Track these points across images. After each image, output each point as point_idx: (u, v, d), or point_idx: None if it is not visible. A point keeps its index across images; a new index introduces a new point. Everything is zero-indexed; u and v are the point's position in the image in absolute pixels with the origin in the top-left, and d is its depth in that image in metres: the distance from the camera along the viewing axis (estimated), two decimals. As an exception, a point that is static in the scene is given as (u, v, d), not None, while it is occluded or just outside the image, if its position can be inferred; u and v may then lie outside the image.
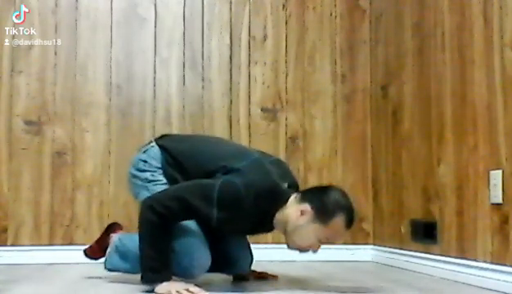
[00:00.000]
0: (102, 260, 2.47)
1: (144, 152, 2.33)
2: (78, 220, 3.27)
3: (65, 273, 2.71)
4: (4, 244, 3.20)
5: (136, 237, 2.04)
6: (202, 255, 2.12)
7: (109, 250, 2.41)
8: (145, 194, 2.19)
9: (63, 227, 3.26)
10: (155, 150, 2.29)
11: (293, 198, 2.11)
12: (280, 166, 2.26)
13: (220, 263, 2.24)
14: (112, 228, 2.50)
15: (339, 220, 2.03)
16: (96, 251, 2.51)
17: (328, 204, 2.04)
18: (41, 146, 3.28)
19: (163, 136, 2.42)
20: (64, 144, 3.30)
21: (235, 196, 1.99)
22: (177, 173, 2.22)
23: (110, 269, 2.41)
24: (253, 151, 2.31)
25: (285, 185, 2.13)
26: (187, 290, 1.98)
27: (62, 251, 3.22)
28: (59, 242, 3.24)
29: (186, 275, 2.10)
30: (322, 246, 2.12)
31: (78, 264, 3.08)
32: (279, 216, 2.10)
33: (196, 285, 2.03)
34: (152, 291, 2.01)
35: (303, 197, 2.09)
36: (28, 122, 3.28)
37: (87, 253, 2.54)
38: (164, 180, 2.23)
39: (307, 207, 2.04)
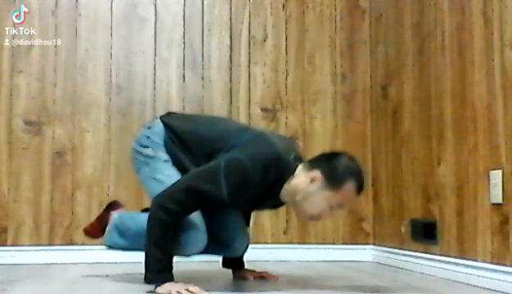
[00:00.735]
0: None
1: (148, 128, 2.34)
2: (78, 220, 3.27)
3: (65, 273, 2.71)
4: (4, 244, 3.20)
5: (136, 217, 2.05)
6: (198, 234, 2.11)
7: (108, 227, 2.40)
8: (145, 171, 2.24)
9: (63, 227, 3.26)
10: (159, 127, 2.29)
11: (300, 167, 2.09)
12: (284, 140, 2.26)
13: (215, 244, 2.23)
14: (112, 206, 2.50)
15: (350, 186, 2.02)
16: (95, 228, 2.49)
17: (339, 170, 2.02)
18: (41, 146, 3.28)
19: (168, 114, 2.43)
20: (64, 144, 3.30)
21: (242, 171, 1.99)
22: (179, 151, 2.22)
23: (109, 246, 2.41)
24: (256, 128, 2.31)
25: (291, 157, 2.11)
26: (187, 290, 1.98)
27: (62, 251, 3.22)
28: (59, 242, 3.24)
29: (181, 253, 2.09)
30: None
31: (78, 264, 3.08)
32: (287, 186, 2.09)
33: (196, 285, 2.03)
34: (153, 291, 2.01)
35: (311, 164, 2.08)
36: (28, 122, 3.28)
37: (87, 231, 2.53)
38: (166, 157, 2.23)
39: (317, 173, 2.03)
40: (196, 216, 2.12)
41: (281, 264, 3.10)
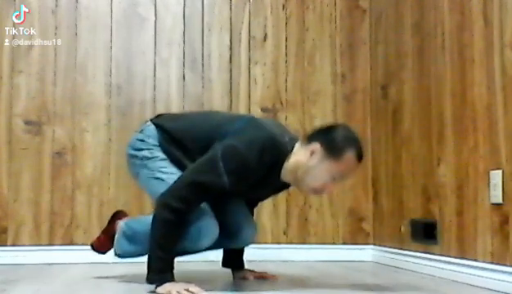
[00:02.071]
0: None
1: (140, 131, 2.34)
2: (78, 220, 3.27)
3: (65, 273, 2.71)
4: (4, 244, 3.20)
5: (143, 219, 2.05)
6: (210, 224, 2.11)
7: (116, 236, 2.39)
8: (145, 173, 2.23)
9: (63, 227, 3.26)
10: (151, 129, 2.30)
11: (298, 144, 2.11)
12: (277, 123, 2.29)
13: (223, 236, 2.22)
14: (117, 215, 2.49)
15: (350, 154, 2.03)
16: (103, 242, 2.48)
17: (337, 139, 2.04)
18: (41, 146, 3.28)
19: (158, 116, 2.43)
20: (64, 144, 3.30)
21: (239, 157, 2.00)
22: (175, 149, 2.23)
23: (119, 255, 2.40)
24: (246, 114, 2.33)
25: (286, 138, 2.13)
26: (187, 290, 1.98)
27: (62, 251, 3.21)
28: (59, 242, 3.24)
29: (194, 246, 2.10)
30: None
31: (78, 264, 3.08)
32: (287, 165, 2.10)
33: (196, 285, 2.03)
34: (153, 291, 2.01)
35: (309, 138, 2.09)
36: (28, 122, 3.28)
37: (94, 247, 2.52)
38: (163, 156, 2.23)
39: (316, 145, 2.04)
40: (205, 207, 2.13)
41: (281, 264, 3.10)
